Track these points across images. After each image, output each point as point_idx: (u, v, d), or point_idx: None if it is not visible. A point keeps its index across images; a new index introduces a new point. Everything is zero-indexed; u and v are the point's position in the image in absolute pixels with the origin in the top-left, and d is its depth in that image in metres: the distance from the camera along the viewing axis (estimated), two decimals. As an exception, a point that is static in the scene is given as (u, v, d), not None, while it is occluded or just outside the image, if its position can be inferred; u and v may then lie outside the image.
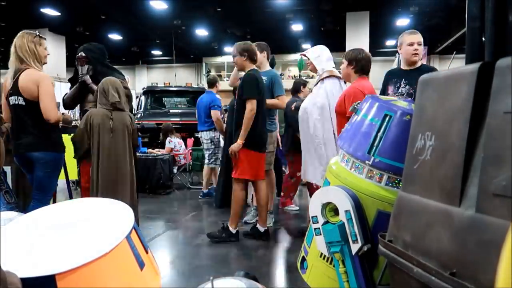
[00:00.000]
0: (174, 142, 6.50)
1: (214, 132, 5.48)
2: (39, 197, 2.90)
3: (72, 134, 6.33)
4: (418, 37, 3.23)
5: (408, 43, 3.21)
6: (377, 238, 1.60)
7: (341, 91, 3.45)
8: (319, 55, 3.72)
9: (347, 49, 3.67)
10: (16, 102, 2.81)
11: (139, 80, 24.39)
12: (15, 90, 2.79)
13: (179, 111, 9.03)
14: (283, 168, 5.56)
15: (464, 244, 1.15)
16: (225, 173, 4.56)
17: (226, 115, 7.76)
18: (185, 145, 6.98)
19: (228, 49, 22.17)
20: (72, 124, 6.08)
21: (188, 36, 17.64)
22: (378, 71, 6.47)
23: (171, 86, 14.12)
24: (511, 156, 1.04)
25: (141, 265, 1.55)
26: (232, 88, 4.65)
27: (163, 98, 9.76)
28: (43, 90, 2.78)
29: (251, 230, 3.72)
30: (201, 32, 17.12)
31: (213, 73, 17.14)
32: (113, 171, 3.09)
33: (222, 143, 5.45)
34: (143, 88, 10.13)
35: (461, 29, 13.66)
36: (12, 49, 2.85)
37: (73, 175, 6.23)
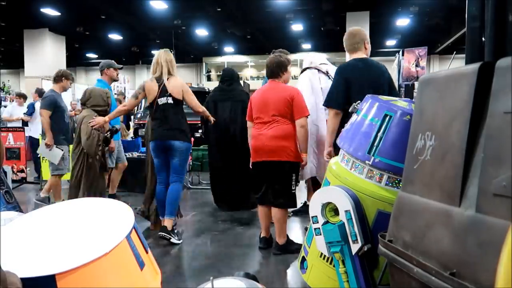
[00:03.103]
0: None
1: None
2: (178, 178, 3.63)
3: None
4: None
5: None
6: (377, 238, 1.61)
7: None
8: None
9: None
10: (166, 101, 3.56)
11: (139, 80, 24.39)
12: (164, 92, 3.54)
13: None
14: None
15: (464, 244, 1.15)
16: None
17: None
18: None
19: (228, 49, 22.18)
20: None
21: (188, 36, 17.64)
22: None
23: (171, 86, 14.14)
24: (511, 156, 1.04)
25: (141, 265, 1.55)
26: None
27: (163, 98, 9.82)
28: (188, 92, 3.67)
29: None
30: (201, 32, 17.11)
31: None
32: None
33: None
34: (143, 88, 10.19)
35: (461, 29, 13.66)
36: (162, 62, 3.58)
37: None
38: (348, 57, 3.14)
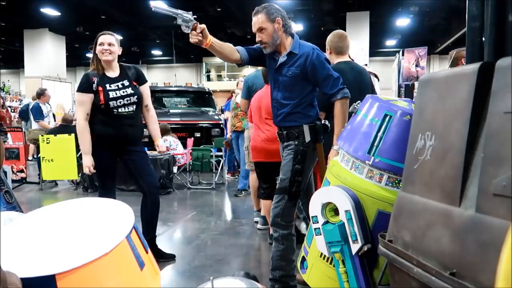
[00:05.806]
0: (170, 141, 6.54)
1: None
2: None
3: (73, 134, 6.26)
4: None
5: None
6: (377, 238, 1.61)
7: None
8: None
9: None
10: None
11: (139, 80, 24.35)
12: None
13: (179, 111, 9.04)
14: None
15: (464, 244, 1.15)
16: None
17: (224, 114, 7.81)
18: (185, 145, 6.99)
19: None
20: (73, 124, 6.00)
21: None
22: (379, 70, 6.45)
23: (171, 86, 14.13)
24: (511, 156, 1.04)
25: (141, 265, 1.55)
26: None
27: (163, 98, 9.77)
28: None
29: None
30: (201, 32, 17.11)
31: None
32: None
33: None
34: (143, 88, 10.17)
35: (461, 29, 13.65)
36: None
37: (74, 175, 6.24)
38: (329, 57, 3.08)
